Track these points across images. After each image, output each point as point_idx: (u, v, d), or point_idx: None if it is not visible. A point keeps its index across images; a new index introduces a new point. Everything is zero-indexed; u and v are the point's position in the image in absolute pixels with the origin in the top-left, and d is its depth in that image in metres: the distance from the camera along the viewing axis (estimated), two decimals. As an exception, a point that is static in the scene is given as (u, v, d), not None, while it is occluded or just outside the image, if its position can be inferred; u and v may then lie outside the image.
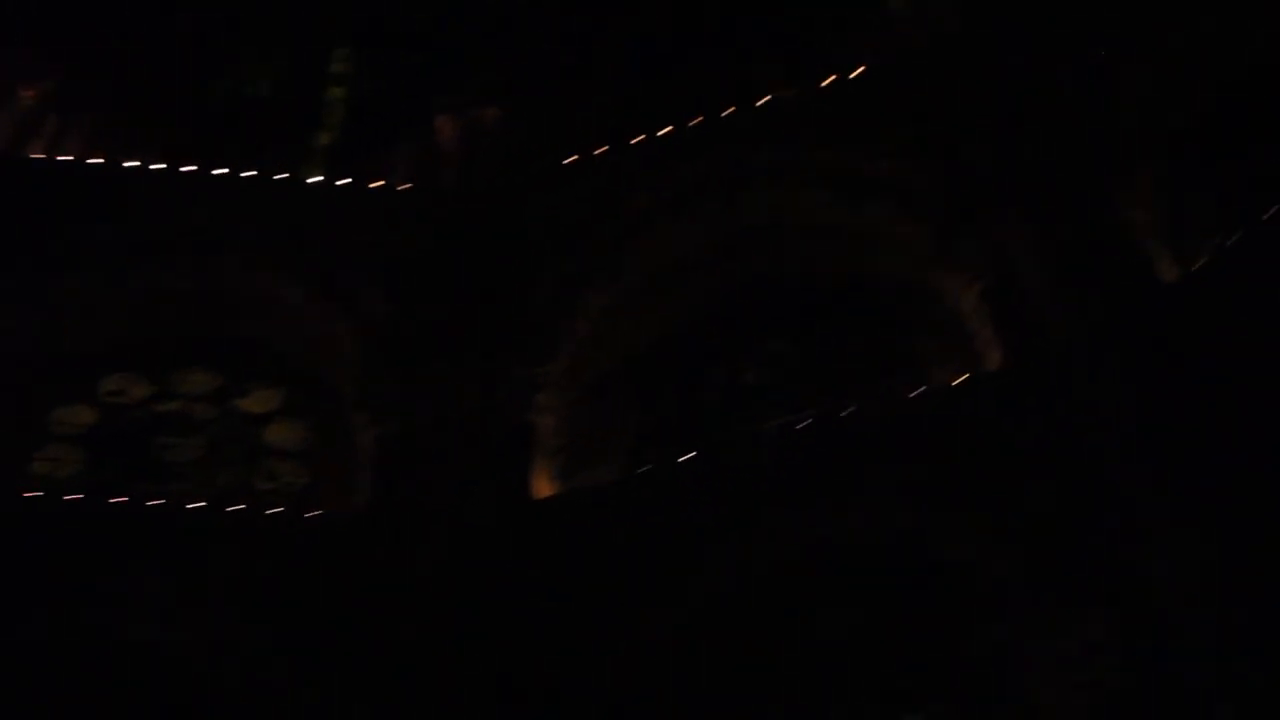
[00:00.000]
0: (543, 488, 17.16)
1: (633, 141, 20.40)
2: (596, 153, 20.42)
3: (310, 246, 19.75)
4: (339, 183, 20.69)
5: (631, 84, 22.46)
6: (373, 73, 23.49)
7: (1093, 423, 14.81)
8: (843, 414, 16.49)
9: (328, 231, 19.91)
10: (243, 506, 17.21)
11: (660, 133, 20.36)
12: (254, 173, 20.53)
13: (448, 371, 18.13)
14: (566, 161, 20.53)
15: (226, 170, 20.45)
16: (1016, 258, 16.78)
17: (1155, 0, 18.27)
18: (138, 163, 20.51)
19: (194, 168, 20.42)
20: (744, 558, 15.73)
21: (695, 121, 20.37)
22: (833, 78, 20.28)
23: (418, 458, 17.23)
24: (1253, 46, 17.94)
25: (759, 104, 20.31)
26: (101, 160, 20.97)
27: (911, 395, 16.53)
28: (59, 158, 21.43)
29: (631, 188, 20.00)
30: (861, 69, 20.25)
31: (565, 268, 19.29)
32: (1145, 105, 17.84)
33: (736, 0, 23.30)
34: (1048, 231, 16.75)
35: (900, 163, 18.74)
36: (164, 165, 20.41)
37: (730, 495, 16.12)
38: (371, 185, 20.62)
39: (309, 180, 20.74)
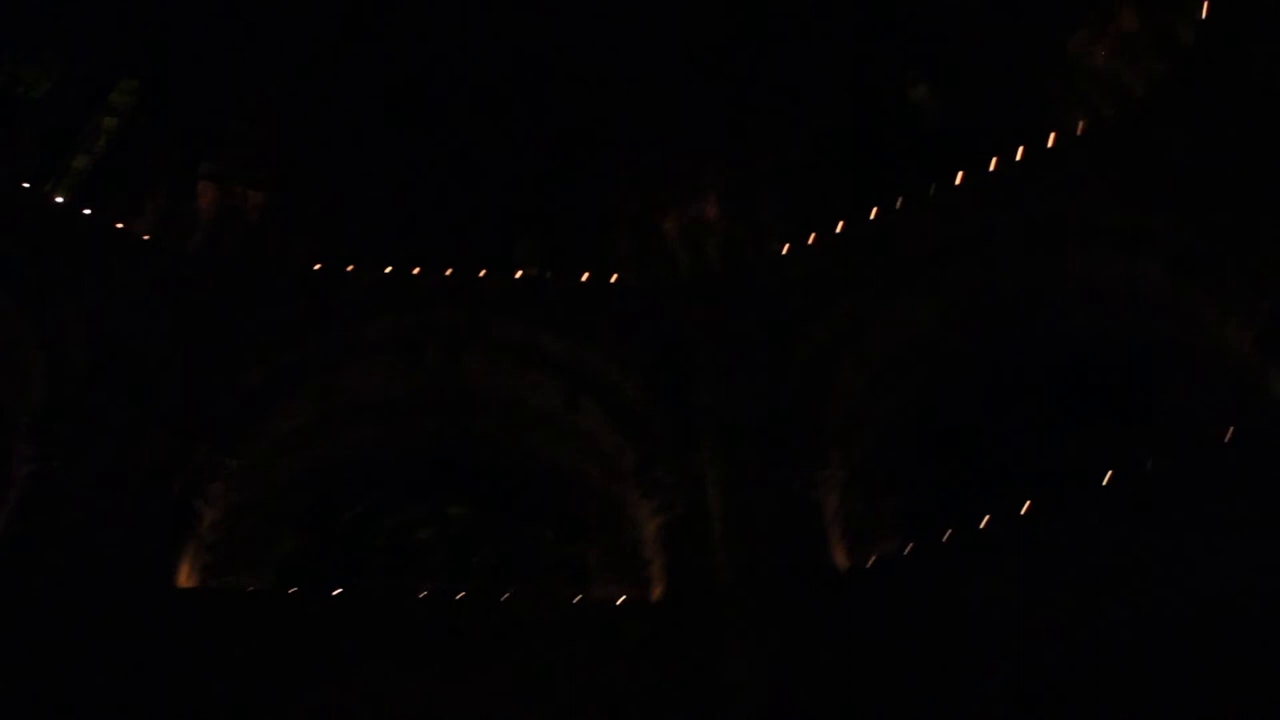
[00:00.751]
0: (185, 578, 16.72)
1: (387, 270, 20.54)
2: (348, 269, 20.45)
3: (31, 264, 18.95)
4: (84, 211, 20.05)
5: (397, 221, 22.60)
6: (153, 114, 22.89)
7: (728, 680, 15.27)
8: (501, 598, 16.66)
9: (55, 255, 19.18)
10: None
11: (414, 271, 20.58)
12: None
13: (126, 432, 17.49)
14: (316, 268, 20.47)
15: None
16: (707, 504, 17.34)
17: (881, 302, 19.35)
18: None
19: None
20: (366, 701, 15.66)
21: (449, 272, 20.66)
22: (587, 275, 20.83)
23: (65, 510, 16.45)
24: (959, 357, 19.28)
25: (517, 276, 20.82)
26: None
27: (573, 601, 16.85)
28: None
29: (361, 314, 20.04)
30: (615, 276, 20.88)
31: (273, 373, 19.11)
32: (856, 402, 18.80)
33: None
34: (739, 491, 17.37)
35: (623, 377, 19.32)
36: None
37: (369, 640, 16.00)
38: (116, 224, 20.07)
39: (56, 199, 20.08)
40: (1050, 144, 19.52)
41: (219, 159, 21.44)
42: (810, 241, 20.38)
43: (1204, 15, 18.61)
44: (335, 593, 16.53)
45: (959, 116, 22.70)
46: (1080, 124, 19.65)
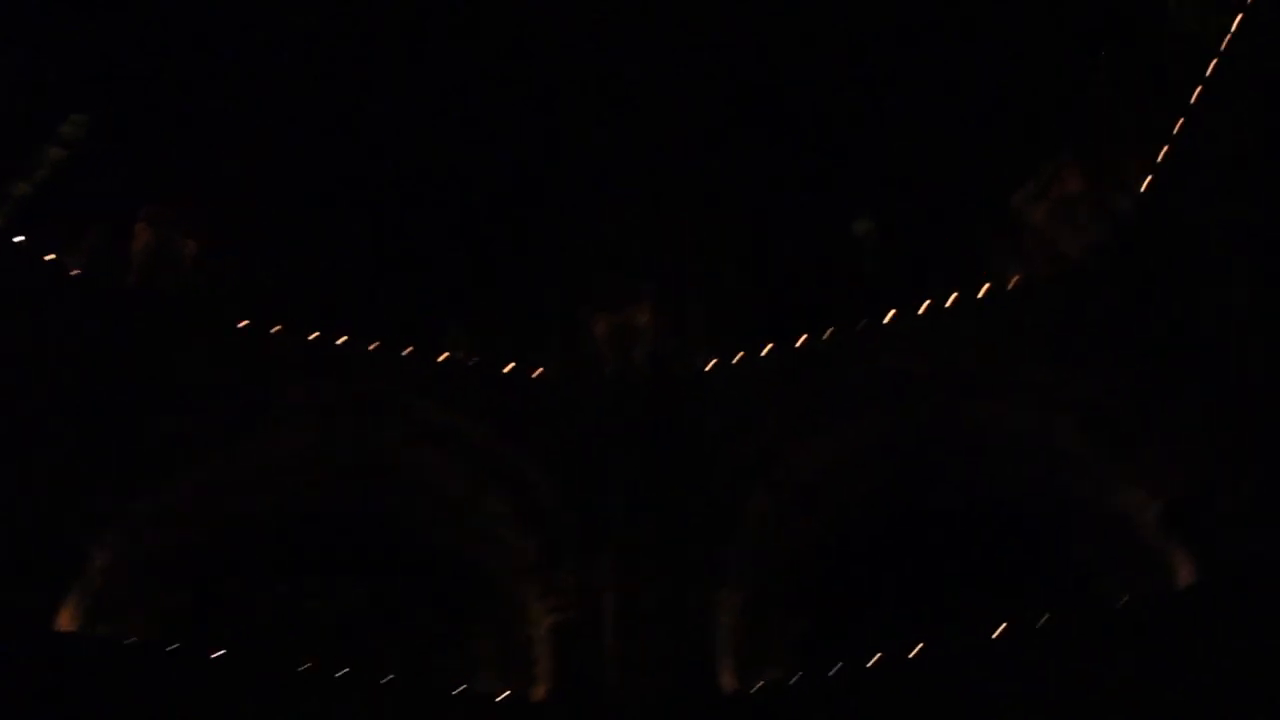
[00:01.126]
0: (67, 621, 16.45)
1: (312, 336, 20.36)
2: (272, 331, 20.24)
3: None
4: (15, 239, 19.85)
5: (330, 289, 22.55)
6: (101, 150, 22.72)
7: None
8: (382, 680, 16.43)
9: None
10: None
11: (339, 340, 20.49)
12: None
13: (28, 466, 17.25)
14: (242, 325, 20.25)
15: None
16: (602, 610, 17.28)
17: (799, 430, 19.47)
18: None
19: None
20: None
21: (374, 346, 20.53)
22: (511, 365, 20.79)
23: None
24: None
25: (441, 358, 20.72)
26: None
27: (454, 692, 16.67)
28: None
29: (281, 376, 19.88)
30: (539, 370, 20.85)
31: (184, 425, 18.84)
32: (762, 526, 18.83)
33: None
34: (635, 601, 17.32)
35: (535, 473, 19.26)
36: None
37: (243, 706, 15.83)
38: (47, 255, 19.85)
39: (-9, 226, 19.94)
40: (981, 294, 19.79)
41: (160, 204, 21.24)
42: (735, 361, 20.48)
43: (1143, 189, 18.98)
44: (215, 655, 16.18)
45: (898, 255, 22.97)
46: (1014, 278, 19.96)
